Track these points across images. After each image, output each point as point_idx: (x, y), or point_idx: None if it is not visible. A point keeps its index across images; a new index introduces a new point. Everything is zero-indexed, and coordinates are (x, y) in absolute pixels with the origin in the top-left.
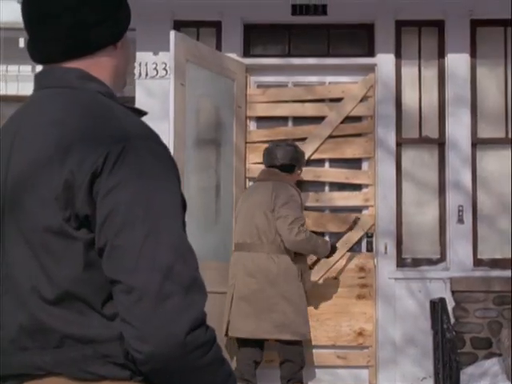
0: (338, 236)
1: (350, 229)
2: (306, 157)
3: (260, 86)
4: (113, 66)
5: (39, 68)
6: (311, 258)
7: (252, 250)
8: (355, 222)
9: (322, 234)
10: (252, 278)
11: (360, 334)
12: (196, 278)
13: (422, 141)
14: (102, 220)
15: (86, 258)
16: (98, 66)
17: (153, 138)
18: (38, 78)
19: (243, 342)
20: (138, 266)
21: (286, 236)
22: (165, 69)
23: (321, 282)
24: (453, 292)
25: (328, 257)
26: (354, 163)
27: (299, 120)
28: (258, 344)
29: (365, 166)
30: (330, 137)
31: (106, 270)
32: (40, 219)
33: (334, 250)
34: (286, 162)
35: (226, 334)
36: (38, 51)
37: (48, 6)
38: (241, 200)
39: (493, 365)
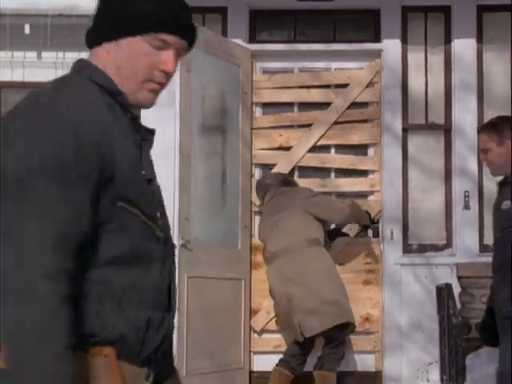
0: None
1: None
2: (312, 143)
3: (266, 71)
4: (110, 63)
5: (45, 54)
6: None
7: (285, 254)
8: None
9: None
10: (298, 280)
11: (366, 319)
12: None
13: (429, 127)
14: None
15: None
16: (96, 60)
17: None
18: None
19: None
20: None
21: (336, 207)
22: None
23: None
24: (459, 278)
25: (370, 225)
26: (360, 149)
27: (305, 106)
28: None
29: (371, 151)
30: (336, 123)
31: None
32: None
33: (371, 218)
34: (279, 184)
35: (303, 336)
36: None
37: None
38: (261, 224)
39: None
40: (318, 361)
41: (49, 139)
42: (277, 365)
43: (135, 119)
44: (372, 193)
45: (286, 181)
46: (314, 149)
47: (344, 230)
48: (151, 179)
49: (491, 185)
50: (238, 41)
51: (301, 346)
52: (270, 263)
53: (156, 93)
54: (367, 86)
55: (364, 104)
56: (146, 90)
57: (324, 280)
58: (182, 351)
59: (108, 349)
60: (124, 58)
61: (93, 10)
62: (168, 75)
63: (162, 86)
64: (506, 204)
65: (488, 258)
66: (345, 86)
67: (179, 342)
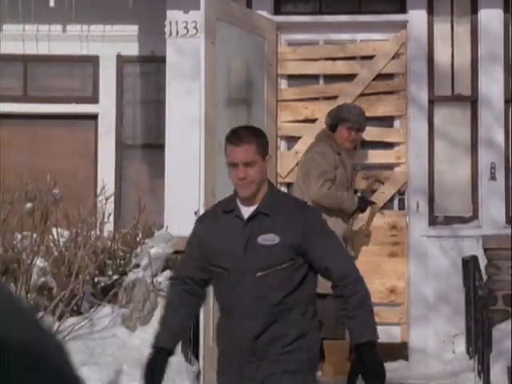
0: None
1: (371, 186)
2: None
3: (291, 43)
4: None
5: (70, 27)
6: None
7: None
8: (377, 180)
9: (355, 192)
10: None
11: (392, 291)
12: None
13: (455, 98)
14: None
15: None
16: None
17: None
18: None
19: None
20: None
21: (310, 183)
22: (195, 27)
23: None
24: (485, 250)
25: (362, 211)
26: (386, 121)
27: (330, 78)
28: None
29: (397, 123)
30: (362, 95)
31: None
32: None
33: (366, 202)
34: (328, 122)
35: None
36: None
37: None
38: None
39: None
40: None
41: None
42: None
43: None
44: (398, 165)
45: (332, 124)
46: None
47: (372, 198)
48: None
49: None
50: (263, 12)
51: None
52: None
53: None
54: (393, 58)
55: (390, 76)
56: None
57: None
58: (209, 331)
59: None
60: None
61: None
62: None
63: None
64: (269, 238)
65: None
66: (370, 57)
67: (206, 322)
